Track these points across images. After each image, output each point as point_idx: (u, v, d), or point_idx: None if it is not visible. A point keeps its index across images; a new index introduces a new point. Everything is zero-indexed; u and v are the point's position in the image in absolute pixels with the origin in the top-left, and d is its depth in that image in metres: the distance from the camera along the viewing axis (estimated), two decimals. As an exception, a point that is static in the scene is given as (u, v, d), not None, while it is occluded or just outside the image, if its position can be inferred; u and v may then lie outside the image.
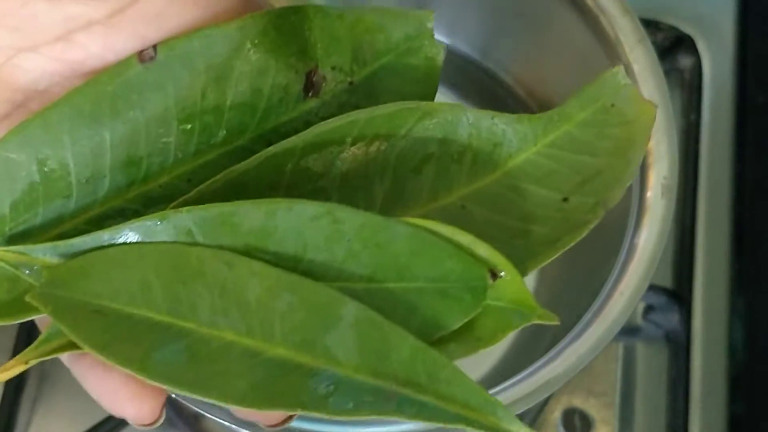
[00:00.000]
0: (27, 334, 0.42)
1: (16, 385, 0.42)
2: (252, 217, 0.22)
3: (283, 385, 0.21)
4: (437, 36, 0.43)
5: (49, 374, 0.43)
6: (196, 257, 0.22)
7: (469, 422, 0.20)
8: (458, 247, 0.21)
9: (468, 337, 0.21)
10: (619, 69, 0.23)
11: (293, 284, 0.21)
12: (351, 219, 0.21)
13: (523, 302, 0.22)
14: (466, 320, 0.21)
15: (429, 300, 0.21)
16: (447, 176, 0.23)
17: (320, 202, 0.22)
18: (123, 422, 0.39)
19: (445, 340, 0.21)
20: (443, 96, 0.46)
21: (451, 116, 0.23)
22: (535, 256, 0.23)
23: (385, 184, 0.23)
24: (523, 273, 0.22)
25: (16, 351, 0.42)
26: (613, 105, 0.23)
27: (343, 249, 0.22)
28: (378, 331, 0.21)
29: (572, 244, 0.23)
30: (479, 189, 0.23)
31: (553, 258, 0.23)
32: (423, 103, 0.23)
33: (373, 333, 0.21)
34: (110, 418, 0.40)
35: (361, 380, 0.21)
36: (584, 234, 0.23)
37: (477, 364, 0.41)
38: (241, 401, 0.21)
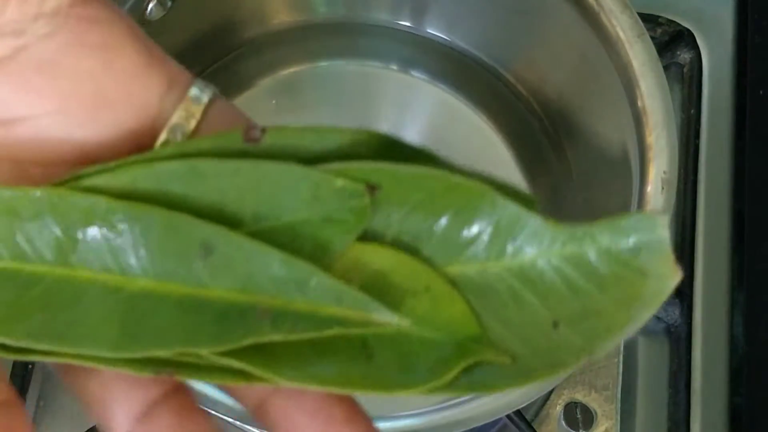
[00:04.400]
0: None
1: (20, 386, 0.42)
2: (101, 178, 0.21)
3: (153, 322, 0.20)
4: (437, 33, 0.44)
5: (51, 375, 0.43)
6: (30, 199, 0.21)
7: (341, 323, 0.20)
8: (329, 174, 0.21)
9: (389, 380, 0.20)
10: (663, 218, 0.21)
11: (142, 214, 0.21)
12: (218, 169, 0.21)
13: (466, 332, 0.21)
14: (352, 239, 0.21)
15: (314, 229, 0.21)
16: (448, 249, 0.21)
17: (183, 161, 0.21)
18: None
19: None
20: (444, 93, 0.46)
21: (475, 199, 0.21)
22: (503, 377, 0.20)
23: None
24: (483, 391, 0.20)
25: (15, 366, 0.42)
26: (641, 250, 0.21)
27: (216, 196, 0.21)
28: (242, 251, 0.20)
29: (540, 382, 0.21)
30: (476, 272, 0.21)
31: (514, 388, 0.20)
32: (450, 176, 0.21)
33: (237, 253, 0.20)
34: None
35: (231, 302, 0.20)
36: (558, 377, 0.21)
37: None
38: (115, 348, 0.20)
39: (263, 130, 0.21)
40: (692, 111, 0.47)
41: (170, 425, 0.21)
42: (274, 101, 0.47)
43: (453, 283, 0.21)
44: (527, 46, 0.45)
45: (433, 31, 0.47)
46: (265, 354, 0.20)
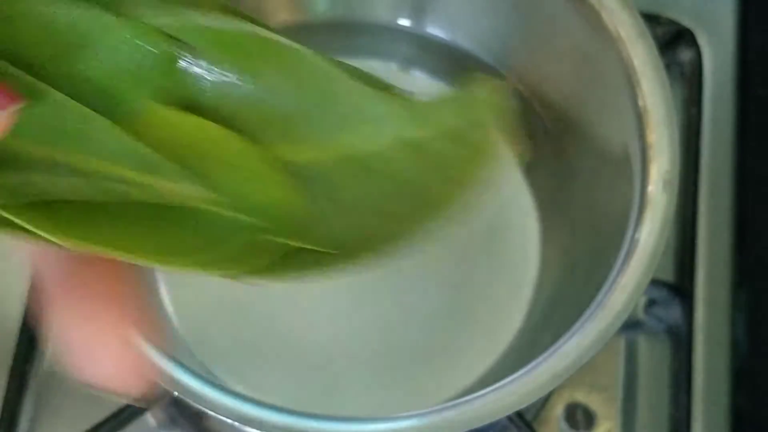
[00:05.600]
0: (26, 347, 0.42)
1: (19, 385, 0.42)
2: None
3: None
4: (437, 32, 0.44)
5: (52, 375, 0.43)
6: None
7: (136, 187, 0.18)
8: (136, 25, 0.18)
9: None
10: (502, 86, 0.20)
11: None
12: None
13: (287, 217, 0.19)
14: (158, 100, 0.18)
15: (114, 85, 0.18)
16: (274, 125, 0.19)
17: None
18: (123, 422, 0.39)
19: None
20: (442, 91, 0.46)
21: (304, 68, 0.19)
22: (324, 263, 0.20)
23: None
24: (300, 275, 0.20)
25: (15, 366, 0.42)
26: (480, 124, 0.20)
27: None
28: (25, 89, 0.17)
29: (364, 267, 0.20)
30: (307, 154, 0.19)
31: (335, 274, 0.20)
32: (269, 35, 0.19)
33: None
34: (110, 419, 0.40)
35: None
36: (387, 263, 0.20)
37: (479, 359, 0.41)
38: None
39: None
40: (693, 110, 0.47)
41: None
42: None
43: (279, 162, 0.19)
44: (528, 45, 0.44)
45: (433, 30, 0.47)
46: (55, 213, 0.18)
